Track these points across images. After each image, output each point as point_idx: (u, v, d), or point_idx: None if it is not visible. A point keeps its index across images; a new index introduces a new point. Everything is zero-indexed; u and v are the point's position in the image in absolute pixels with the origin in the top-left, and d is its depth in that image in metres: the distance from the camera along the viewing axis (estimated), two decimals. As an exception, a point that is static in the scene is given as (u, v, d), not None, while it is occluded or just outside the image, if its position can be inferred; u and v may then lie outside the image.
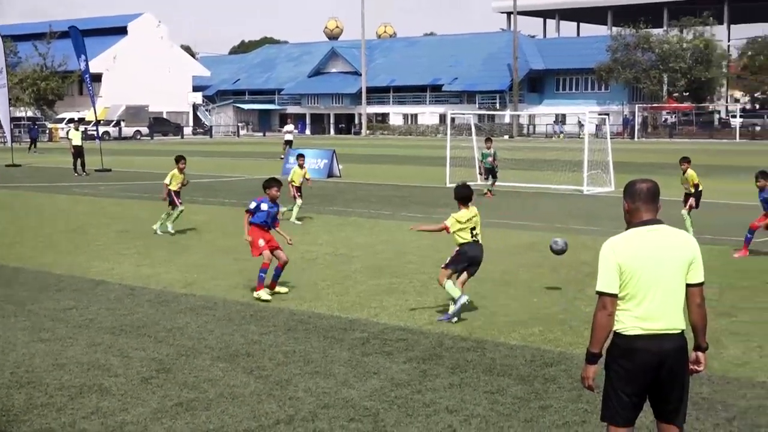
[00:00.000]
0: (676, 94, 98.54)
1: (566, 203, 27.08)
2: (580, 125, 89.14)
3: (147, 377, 9.02)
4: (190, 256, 16.86)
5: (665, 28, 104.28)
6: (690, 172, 18.78)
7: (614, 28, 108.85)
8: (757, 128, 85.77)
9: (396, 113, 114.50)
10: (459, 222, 11.60)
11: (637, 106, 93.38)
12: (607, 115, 53.20)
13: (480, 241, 11.76)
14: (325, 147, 47.87)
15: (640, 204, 5.72)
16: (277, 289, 13.24)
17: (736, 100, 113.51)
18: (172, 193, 19.67)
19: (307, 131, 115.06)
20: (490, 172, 29.08)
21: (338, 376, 9.11)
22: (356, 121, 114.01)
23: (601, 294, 5.63)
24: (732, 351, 9.92)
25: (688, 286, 5.69)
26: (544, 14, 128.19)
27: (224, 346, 10.21)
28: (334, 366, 9.46)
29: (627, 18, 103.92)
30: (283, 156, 45.06)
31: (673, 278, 5.63)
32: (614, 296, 5.60)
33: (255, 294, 12.91)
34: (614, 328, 5.66)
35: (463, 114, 54.48)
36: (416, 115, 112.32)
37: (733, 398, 8.24)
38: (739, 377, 8.94)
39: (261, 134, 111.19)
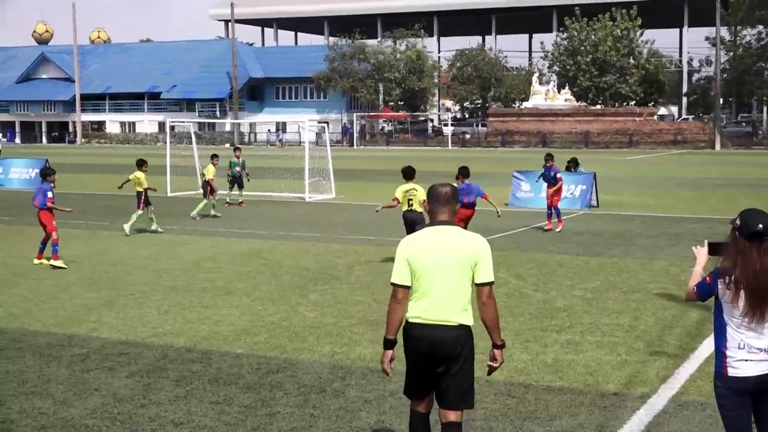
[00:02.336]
0: (391, 103, 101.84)
1: (289, 210, 27.31)
2: (277, 137, 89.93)
3: None
4: None
5: (379, 39, 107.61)
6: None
7: (331, 38, 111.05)
8: (467, 136, 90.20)
9: (113, 121, 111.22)
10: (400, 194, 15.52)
11: (355, 114, 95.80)
12: (327, 123, 54.00)
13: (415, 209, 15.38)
14: (37, 156, 45.76)
15: (438, 206, 6.24)
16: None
17: (448, 109, 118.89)
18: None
19: (17, 140, 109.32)
20: (237, 181, 28.91)
21: (56, 395, 8.71)
22: (71, 129, 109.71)
23: (393, 285, 6.14)
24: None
25: (475, 285, 6.11)
26: (262, 23, 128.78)
27: (-72, 371, 9.51)
28: (52, 385, 9.04)
29: (343, 28, 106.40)
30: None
31: (451, 275, 6.05)
32: (404, 287, 6.10)
33: (53, 262, 16.20)
34: (407, 317, 6.16)
35: (183, 122, 53.64)
36: (134, 123, 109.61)
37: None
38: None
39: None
